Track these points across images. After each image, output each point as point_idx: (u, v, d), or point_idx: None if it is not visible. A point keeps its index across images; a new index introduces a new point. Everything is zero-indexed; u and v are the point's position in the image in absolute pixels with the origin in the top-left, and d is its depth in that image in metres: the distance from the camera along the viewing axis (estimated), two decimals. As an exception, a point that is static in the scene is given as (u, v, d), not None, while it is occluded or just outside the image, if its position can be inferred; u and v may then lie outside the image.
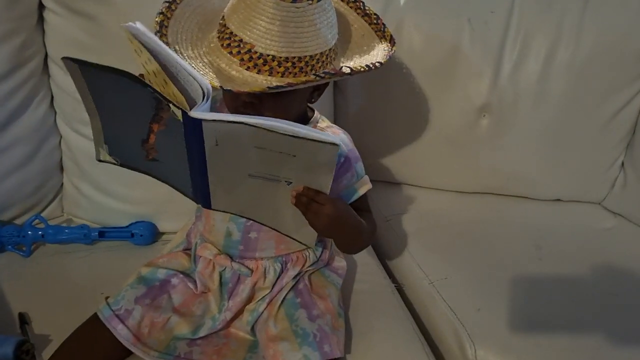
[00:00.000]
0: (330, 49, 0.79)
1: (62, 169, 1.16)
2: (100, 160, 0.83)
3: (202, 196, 0.76)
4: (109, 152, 0.81)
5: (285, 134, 0.67)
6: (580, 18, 1.22)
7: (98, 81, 0.74)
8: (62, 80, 1.09)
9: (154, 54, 0.69)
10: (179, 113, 0.67)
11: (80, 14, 1.03)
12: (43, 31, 1.06)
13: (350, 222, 0.82)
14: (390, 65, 1.22)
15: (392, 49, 0.87)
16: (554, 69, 1.24)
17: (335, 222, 0.76)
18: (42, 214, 1.13)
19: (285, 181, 0.73)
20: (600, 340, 0.96)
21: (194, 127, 0.67)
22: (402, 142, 1.32)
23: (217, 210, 0.79)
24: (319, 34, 0.76)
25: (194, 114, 0.66)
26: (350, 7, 0.93)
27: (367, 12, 0.92)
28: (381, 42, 0.90)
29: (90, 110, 0.79)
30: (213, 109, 0.88)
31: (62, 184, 1.17)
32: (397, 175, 1.38)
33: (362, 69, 0.79)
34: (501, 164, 1.32)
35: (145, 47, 0.68)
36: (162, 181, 0.80)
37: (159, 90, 0.69)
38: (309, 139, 0.67)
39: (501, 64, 1.24)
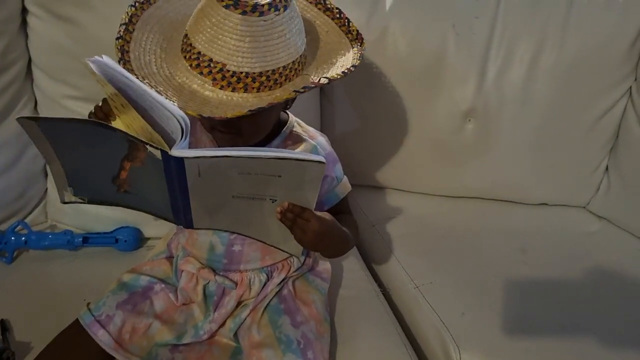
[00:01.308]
0: (300, 55, 0.78)
1: (46, 174, 1.16)
2: (65, 202, 0.80)
3: (184, 218, 0.75)
4: (74, 193, 0.80)
5: (271, 159, 0.66)
6: (564, 23, 1.23)
7: (59, 132, 0.72)
8: (45, 85, 1.09)
9: (124, 89, 0.67)
10: (157, 153, 0.65)
11: (63, 19, 1.02)
12: (26, 35, 1.06)
13: (336, 235, 0.81)
14: (376, 71, 1.24)
15: (362, 47, 0.85)
16: (539, 73, 1.25)
17: (322, 238, 0.76)
18: (26, 220, 1.13)
19: (270, 199, 0.72)
20: (585, 343, 0.97)
21: (176, 164, 0.66)
22: (388, 147, 1.33)
23: (200, 229, 0.78)
24: (289, 44, 0.75)
25: (175, 152, 0.64)
26: (310, 3, 0.90)
27: (329, 6, 0.90)
28: (347, 37, 0.87)
29: (49, 158, 0.76)
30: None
31: (46, 189, 1.17)
32: (383, 180, 1.38)
33: (338, 77, 0.78)
34: (487, 168, 1.33)
35: (113, 82, 0.67)
36: (136, 209, 0.79)
37: (126, 121, 0.67)
38: (294, 159, 0.67)
39: (486, 69, 1.25)
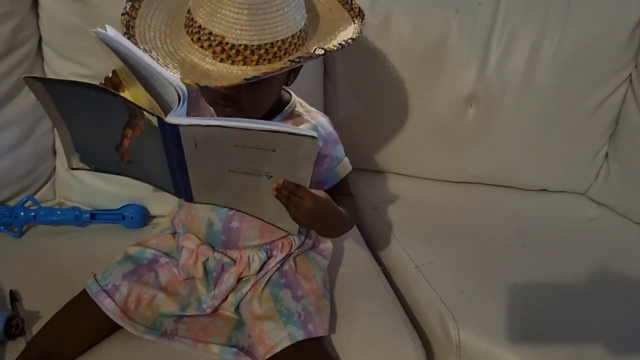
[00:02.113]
0: (300, 30, 0.78)
1: (55, 152, 1.17)
2: (73, 169, 0.82)
3: (184, 191, 0.76)
4: (81, 159, 0.81)
5: (263, 131, 0.67)
6: (566, 10, 1.24)
7: (64, 95, 0.73)
8: (56, 64, 1.10)
9: (126, 59, 0.68)
10: (154, 120, 0.66)
11: (73, -2, 1.04)
12: (37, 15, 1.07)
13: (331, 214, 0.81)
14: (379, 55, 1.25)
15: (362, 23, 0.86)
16: (540, 60, 1.25)
17: (316, 216, 0.76)
18: (35, 197, 1.14)
19: (266, 175, 0.73)
20: (582, 323, 0.98)
21: (171, 132, 0.67)
22: (391, 131, 1.34)
23: (200, 203, 0.80)
24: (287, 17, 0.75)
25: (170, 119, 0.66)
26: None
27: None
28: (349, 14, 0.88)
29: (56, 122, 0.78)
30: (190, 99, 0.89)
31: (55, 167, 1.18)
32: (385, 164, 1.40)
33: (335, 48, 0.78)
34: (487, 154, 1.34)
35: (115, 52, 0.68)
36: (140, 180, 0.81)
37: (133, 93, 0.68)
38: (287, 133, 0.67)
39: (488, 55, 1.26)
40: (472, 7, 1.24)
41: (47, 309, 0.88)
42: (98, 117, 0.74)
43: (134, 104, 0.67)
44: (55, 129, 1.04)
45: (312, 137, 0.68)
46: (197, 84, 0.72)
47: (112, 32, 0.70)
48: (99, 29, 0.70)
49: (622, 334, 0.97)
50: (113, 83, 0.78)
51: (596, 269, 1.13)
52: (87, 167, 0.82)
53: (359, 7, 0.88)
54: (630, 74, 1.28)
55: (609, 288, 1.08)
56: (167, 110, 0.67)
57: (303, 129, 0.71)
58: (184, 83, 0.70)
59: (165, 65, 0.75)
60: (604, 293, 1.06)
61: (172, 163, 0.72)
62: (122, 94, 0.74)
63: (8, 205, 1.11)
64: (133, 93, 0.74)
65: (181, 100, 0.68)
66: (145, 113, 0.67)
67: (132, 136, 0.73)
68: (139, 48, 0.75)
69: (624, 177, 1.31)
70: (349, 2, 0.89)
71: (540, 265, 1.12)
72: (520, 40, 1.26)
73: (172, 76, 0.69)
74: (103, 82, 0.79)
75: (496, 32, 1.25)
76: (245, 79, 0.71)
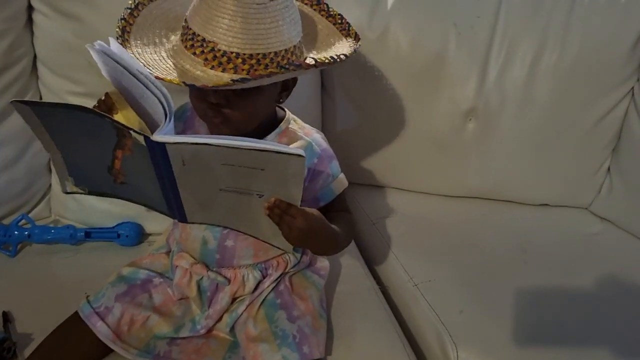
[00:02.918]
0: (294, 46, 0.78)
1: (50, 170, 1.17)
2: (67, 192, 0.82)
3: (177, 211, 0.76)
4: (75, 183, 0.81)
5: (250, 149, 0.66)
6: (566, 23, 1.23)
7: (53, 118, 0.73)
8: (50, 81, 1.10)
9: (118, 77, 0.69)
10: (140, 139, 0.66)
11: (68, 16, 1.04)
12: (32, 32, 1.07)
13: (324, 232, 0.80)
14: (377, 69, 1.24)
15: (357, 44, 0.87)
16: (540, 73, 1.24)
17: (308, 234, 0.76)
18: (30, 215, 1.14)
19: (257, 194, 0.73)
20: (584, 343, 0.97)
21: (159, 150, 0.67)
22: (389, 145, 1.33)
23: (194, 223, 0.79)
24: (282, 31, 0.76)
25: (157, 137, 0.65)
26: (314, 10, 0.93)
27: (331, 13, 0.92)
28: (347, 39, 0.90)
29: (48, 146, 0.78)
30: (184, 118, 0.89)
31: (50, 184, 1.18)
32: (384, 178, 1.39)
33: (326, 60, 0.78)
34: (488, 168, 1.33)
35: (108, 68, 0.68)
36: (134, 202, 0.80)
37: (126, 115, 0.69)
38: (274, 152, 0.67)
39: (487, 69, 1.25)
40: (470, 21, 1.23)
41: (40, 330, 0.87)
42: (88, 139, 0.74)
43: (119, 124, 0.67)
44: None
45: (299, 155, 0.67)
46: (183, 82, 0.72)
47: (106, 47, 0.70)
48: (91, 45, 0.70)
49: (625, 351, 0.95)
50: (106, 105, 0.78)
51: (599, 286, 1.12)
52: (81, 191, 0.82)
53: (356, 32, 0.90)
54: (633, 87, 1.27)
55: (613, 304, 1.07)
56: (155, 129, 0.67)
57: (290, 147, 0.71)
58: (171, 82, 0.71)
59: (155, 68, 0.75)
60: (609, 310, 1.05)
61: (164, 182, 0.72)
62: (114, 116, 0.74)
63: (2, 223, 1.11)
64: (125, 115, 0.75)
65: (167, 117, 0.68)
66: (132, 133, 0.67)
67: (122, 157, 0.73)
68: (132, 51, 0.76)
69: (627, 191, 1.30)
70: (346, 28, 0.91)
71: (542, 282, 1.10)
72: (520, 53, 1.25)
73: (159, 92, 0.69)
74: (96, 104, 0.78)
75: (495, 45, 1.24)
76: (233, 80, 0.71)
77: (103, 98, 0.79)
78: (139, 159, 0.70)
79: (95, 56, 0.71)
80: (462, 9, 1.24)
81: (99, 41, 0.71)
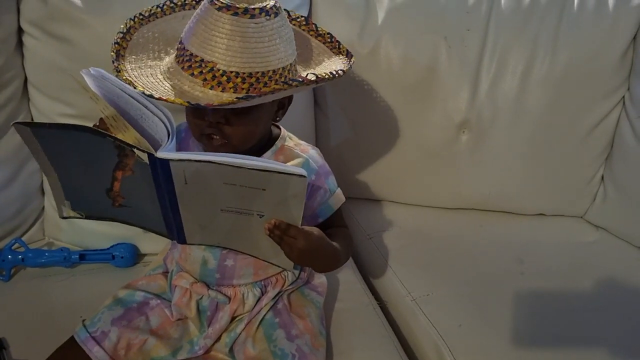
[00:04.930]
0: (291, 64, 0.79)
1: (43, 192, 1.16)
2: (64, 217, 0.82)
3: (176, 233, 0.76)
4: (72, 207, 0.81)
5: (252, 169, 0.67)
6: (555, 34, 1.23)
7: (52, 140, 0.74)
8: (42, 104, 1.09)
9: (115, 100, 0.69)
10: (144, 156, 0.67)
11: (58, 38, 1.04)
12: (22, 55, 1.07)
13: (326, 250, 0.81)
14: (369, 83, 1.25)
15: (351, 60, 0.89)
16: (531, 84, 1.25)
17: (309, 254, 0.77)
18: (24, 238, 1.13)
19: (258, 214, 0.73)
20: (583, 354, 0.96)
21: (162, 168, 0.67)
22: (383, 159, 1.33)
23: (193, 245, 0.79)
24: (279, 49, 0.76)
25: (161, 154, 0.66)
26: (303, 30, 0.94)
27: (320, 32, 0.94)
28: (338, 56, 0.91)
29: (46, 169, 0.78)
30: (179, 138, 0.89)
31: (44, 207, 1.17)
32: (379, 192, 1.38)
33: (326, 76, 0.79)
34: (482, 179, 1.33)
35: (105, 91, 0.68)
36: (133, 225, 0.80)
37: (121, 136, 0.68)
38: (275, 172, 0.67)
39: (479, 81, 1.25)
40: (461, 34, 1.24)
41: (36, 356, 0.86)
42: (87, 161, 0.74)
43: (123, 141, 0.67)
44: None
45: (301, 175, 0.68)
46: (188, 102, 0.72)
47: (102, 72, 0.71)
48: (85, 70, 0.70)
49: (623, 359, 0.95)
50: (103, 128, 0.78)
51: (597, 295, 1.12)
52: (79, 215, 0.82)
53: (347, 50, 0.91)
54: (623, 96, 1.28)
55: (611, 314, 1.07)
56: (157, 147, 0.68)
57: (292, 167, 0.71)
58: (174, 103, 0.71)
59: (154, 90, 0.75)
60: (607, 319, 1.05)
61: (164, 202, 0.72)
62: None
63: (-4, 248, 1.10)
64: (121, 138, 0.74)
65: (170, 136, 0.68)
66: (135, 150, 0.67)
67: (122, 178, 0.73)
68: (128, 77, 0.76)
69: (621, 199, 1.30)
70: (337, 46, 0.92)
71: (539, 293, 1.10)
72: (511, 65, 1.25)
73: (160, 113, 0.69)
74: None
75: (486, 57, 1.25)
76: (238, 97, 0.72)
77: (97, 124, 0.79)
78: (140, 178, 0.70)
79: (89, 81, 0.70)
80: (452, 22, 1.24)
81: (93, 67, 0.71)
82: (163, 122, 0.68)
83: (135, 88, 0.74)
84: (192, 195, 0.70)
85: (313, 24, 0.94)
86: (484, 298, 1.08)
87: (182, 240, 0.77)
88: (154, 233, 0.80)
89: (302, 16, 0.96)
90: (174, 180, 0.68)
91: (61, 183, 0.79)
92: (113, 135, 0.69)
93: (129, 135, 0.69)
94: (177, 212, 0.72)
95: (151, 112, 0.69)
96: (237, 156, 0.68)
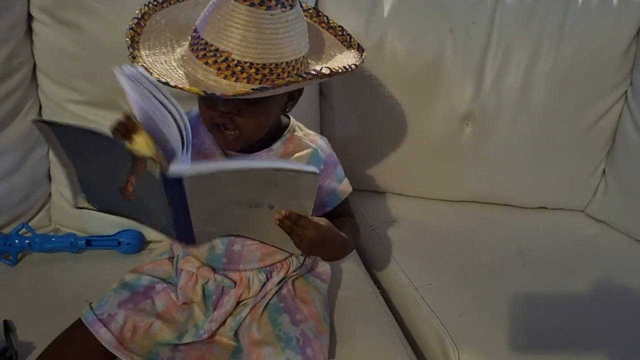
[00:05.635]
0: (303, 56, 0.80)
1: (50, 178, 1.17)
2: (78, 207, 0.82)
3: (186, 236, 0.75)
4: (87, 199, 0.81)
5: (265, 168, 0.67)
6: (560, 28, 1.24)
7: (71, 138, 0.74)
8: (50, 90, 1.10)
9: (144, 99, 0.69)
10: (157, 169, 0.65)
11: (67, 25, 1.04)
12: (31, 41, 1.08)
13: (334, 240, 0.81)
14: (375, 75, 1.25)
15: (363, 54, 0.89)
16: (535, 78, 1.26)
17: (319, 244, 0.77)
18: (30, 224, 1.13)
19: (268, 205, 0.73)
20: (583, 345, 0.97)
21: (175, 181, 0.66)
22: (387, 151, 1.34)
23: (203, 242, 0.79)
24: (293, 41, 0.77)
25: (174, 171, 0.64)
26: (315, 22, 0.95)
27: (332, 25, 0.94)
28: (349, 50, 0.91)
29: (63, 162, 0.78)
30: (189, 124, 0.88)
31: (50, 193, 1.18)
32: (382, 184, 1.39)
33: (340, 70, 0.80)
34: (485, 172, 1.34)
35: (137, 91, 0.69)
36: (144, 224, 0.80)
37: (147, 137, 0.69)
38: (288, 170, 0.68)
39: (483, 74, 1.26)
40: (466, 27, 1.25)
41: (41, 339, 0.87)
42: (103, 160, 0.74)
43: (134, 154, 0.67)
44: (56, 161, 1.03)
45: (314, 173, 0.68)
46: (204, 91, 0.72)
47: (136, 71, 0.70)
48: (119, 68, 0.69)
49: (624, 352, 0.96)
50: (127, 127, 0.77)
51: (597, 287, 1.13)
52: (93, 207, 0.82)
53: (358, 43, 0.92)
54: (626, 91, 1.29)
55: (610, 306, 1.08)
56: (170, 156, 0.68)
57: (304, 165, 0.71)
58: (190, 92, 0.71)
59: (169, 77, 0.75)
60: (606, 312, 1.06)
61: (174, 206, 0.70)
62: (135, 140, 0.73)
63: (2, 233, 1.10)
64: (146, 136, 0.73)
65: (184, 148, 0.67)
66: (147, 162, 0.66)
67: (136, 182, 0.73)
68: (143, 61, 0.76)
69: (623, 193, 1.31)
70: (348, 40, 0.93)
71: (540, 284, 1.11)
72: (515, 59, 1.26)
73: (182, 122, 0.68)
74: (117, 125, 0.77)
75: (491, 51, 1.26)
76: (253, 89, 0.72)
77: (124, 120, 0.77)
78: (150, 185, 0.69)
79: (122, 80, 0.70)
80: (458, 15, 1.25)
81: (125, 65, 0.70)
82: (180, 130, 0.68)
83: (151, 74, 0.74)
84: (203, 198, 0.70)
85: (325, 16, 0.95)
86: (485, 288, 1.09)
87: (191, 241, 0.76)
88: (164, 234, 0.78)
89: (313, 8, 0.96)
90: (186, 191, 0.67)
91: (77, 176, 0.79)
92: (125, 143, 0.68)
93: (145, 142, 0.69)
94: (187, 216, 0.71)
95: (174, 119, 0.69)
96: (248, 159, 0.68)
